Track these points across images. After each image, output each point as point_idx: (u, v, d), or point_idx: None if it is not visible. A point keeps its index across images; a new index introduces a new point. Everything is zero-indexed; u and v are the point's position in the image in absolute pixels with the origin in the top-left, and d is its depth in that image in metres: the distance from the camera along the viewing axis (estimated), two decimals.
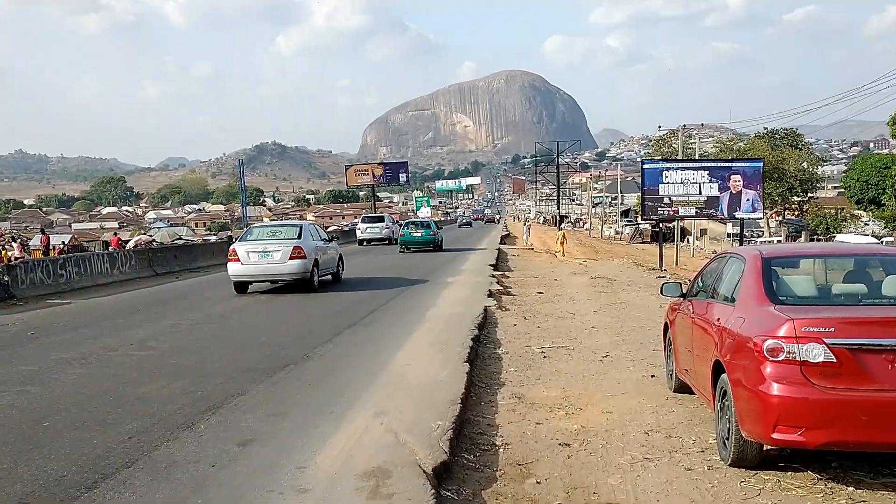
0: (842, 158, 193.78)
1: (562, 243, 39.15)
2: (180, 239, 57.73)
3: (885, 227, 35.93)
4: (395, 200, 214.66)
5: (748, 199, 30.44)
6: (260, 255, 14.64)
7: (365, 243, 37.33)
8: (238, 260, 14.64)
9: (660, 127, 50.95)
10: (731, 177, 30.38)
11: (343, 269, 17.46)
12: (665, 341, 7.25)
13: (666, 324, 7.20)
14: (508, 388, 7.12)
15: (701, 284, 6.41)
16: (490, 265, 21.72)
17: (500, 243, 37.77)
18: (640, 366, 8.18)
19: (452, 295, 14.20)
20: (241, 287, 14.92)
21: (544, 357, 8.66)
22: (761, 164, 32.17)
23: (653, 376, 7.57)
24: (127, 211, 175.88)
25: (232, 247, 15.32)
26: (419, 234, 30.97)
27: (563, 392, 6.91)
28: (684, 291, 6.63)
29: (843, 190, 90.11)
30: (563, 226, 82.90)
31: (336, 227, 74.08)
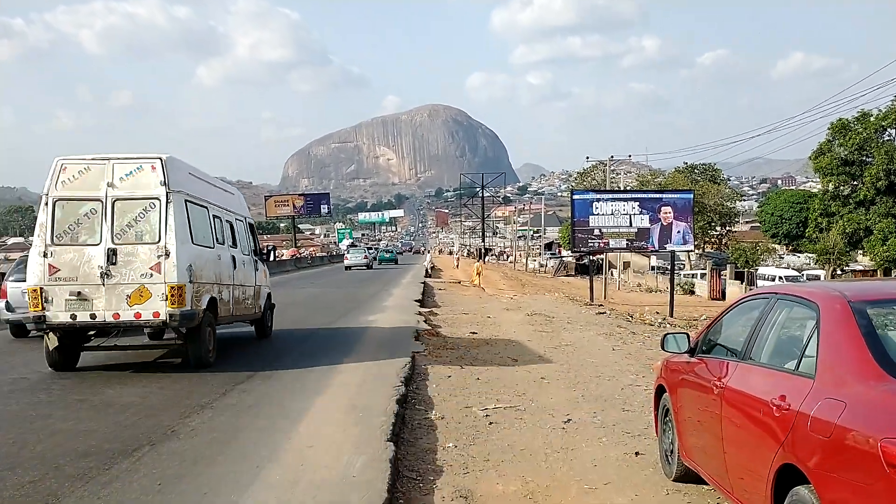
0: (752, 195, 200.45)
1: (478, 274, 37.79)
2: None
3: (817, 261, 35.82)
4: (318, 232, 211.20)
5: (679, 231, 29.51)
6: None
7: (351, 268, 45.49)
8: None
9: (587, 158, 50.28)
10: (662, 208, 29.42)
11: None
12: (658, 410, 5.40)
13: (660, 387, 5.37)
14: (448, 477, 5.13)
15: (719, 338, 4.62)
16: (416, 300, 19.77)
17: (426, 276, 35.89)
18: (615, 435, 6.34)
19: (374, 337, 12.13)
20: None
21: (490, 423, 6.73)
22: (691, 196, 31.39)
23: (638, 454, 5.72)
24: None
25: None
26: (388, 255, 61.22)
27: (524, 484, 4.97)
28: (692, 346, 4.81)
29: (756, 224, 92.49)
30: (483, 258, 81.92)
31: None
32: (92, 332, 9.02)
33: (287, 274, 42.19)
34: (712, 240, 70.56)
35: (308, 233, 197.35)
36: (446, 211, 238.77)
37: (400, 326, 13.56)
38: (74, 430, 6.04)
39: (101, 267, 8.37)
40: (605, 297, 37.26)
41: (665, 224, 29.25)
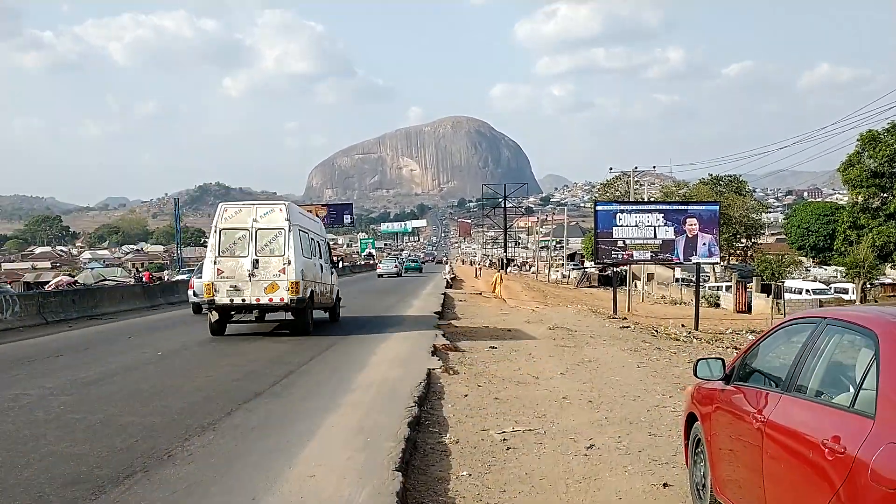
0: (777, 207, 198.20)
1: (498, 284, 37.36)
2: (105, 280, 53.99)
3: (846, 274, 35.06)
4: (340, 242, 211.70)
5: (704, 244, 28.92)
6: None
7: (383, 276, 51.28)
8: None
9: (611, 169, 49.88)
10: (687, 220, 28.86)
11: None
12: (688, 439, 4.97)
13: (691, 415, 4.94)
14: None
15: (758, 365, 4.20)
16: (435, 313, 19.39)
17: (447, 287, 35.52)
18: (641, 463, 5.92)
19: (390, 352, 11.76)
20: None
21: (508, 449, 6.33)
22: (717, 208, 30.86)
23: (666, 485, 5.30)
24: (61, 251, 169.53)
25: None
26: (414, 265, 68.22)
27: None
28: (728, 372, 4.38)
29: (782, 236, 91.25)
30: (505, 269, 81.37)
31: None
32: (234, 312, 13.90)
33: None
34: (737, 252, 69.58)
35: (332, 243, 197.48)
36: (469, 221, 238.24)
37: (417, 340, 13.18)
38: (61, 456, 5.73)
39: (249, 270, 13.38)
40: (628, 309, 36.67)
41: (690, 236, 28.71)
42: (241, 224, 13.63)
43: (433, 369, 9.89)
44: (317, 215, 79.69)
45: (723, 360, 4.50)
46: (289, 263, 13.40)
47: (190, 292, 18.16)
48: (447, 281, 40.62)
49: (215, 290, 13.26)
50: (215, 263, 13.39)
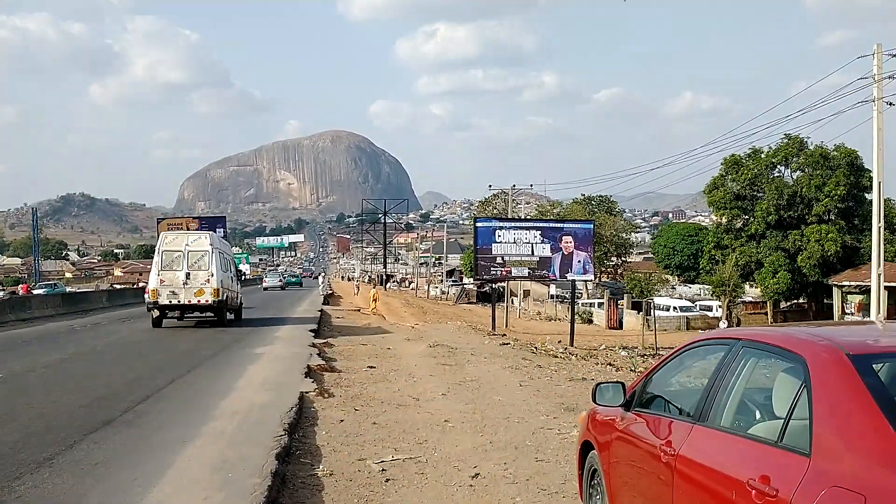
0: (644, 227, 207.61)
1: (374, 300, 36.81)
2: None
3: (712, 292, 36.70)
4: None
5: (579, 261, 29.46)
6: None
7: (267, 289, 54.40)
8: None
9: (490, 186, 50.36)
10: (563, 238, 29.32)
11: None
12: (583, 470, 4.60)
13: (587, 443, 4.58)
14: None
15: (663, 390, 3.87)
16: (310, 331, 18.55)
17: (324, 303, 34.53)
18: (530, 492, 5.52)
19: (260, 373, 10.93)
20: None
21: (387, 480, 5.78)
22: (592, 227, 31.59)
23: None
24: None
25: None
26: (294, 279, 71.45)
27: None
28: (628, 397, 4.03)
29: (650, 255, 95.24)
30: (385, 285, 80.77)
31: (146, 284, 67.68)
32: (170, 311, 18.61)
33: None
34: (608, 270, 71.94)
35: None
36: (348, 237, 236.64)
37: (290, 360, 12.39)
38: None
39: (183, 280, 18.20)
40: (506, 325, 36.90)
41: (566, 253, 29.18)
42: (177, 247, 18.82)
43: (306, 392, 9.19)
44: (187, 228, 77.11)
45: (623, 385, 4.15)
46: (212, 276, 18.54)
47: (146, 296, 19.53)
48: (324, 297, 39.58)
49: (158, 295, 18.28)
50: (158, 275, 18.45)
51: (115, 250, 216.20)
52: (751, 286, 43.81)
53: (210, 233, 20.66)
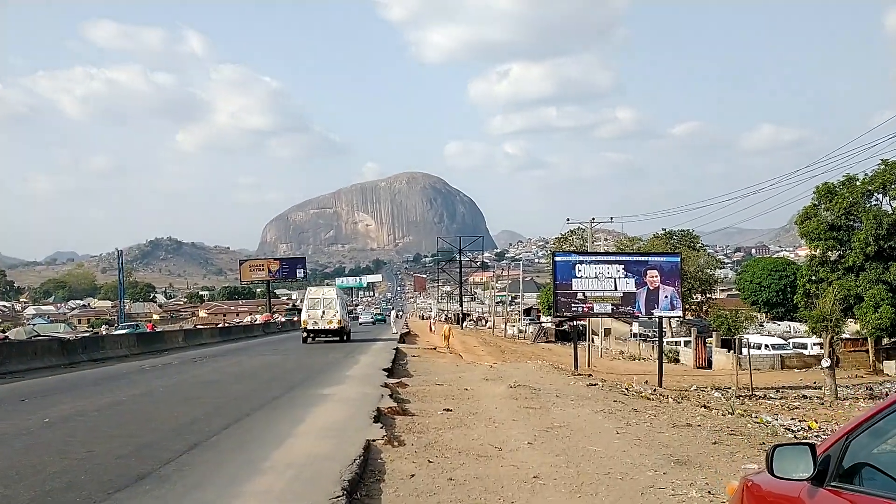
0: (727, 263, 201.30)
1: (446, 337, 35.66)
2: (38, 336, 50.75)
3: (812, 329, 34.25)
4: (294, 297, 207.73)
5: (666, 296, 27.72)
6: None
7: (362, 323, 67.08)
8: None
9: (568, 220, 48.69)
10: (648, 272, 27.66)
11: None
12: None
13: None
14: None
15: (875, 457, 2.59)
16: (384, 370, 17.48)
17: (399, 341, 33.51)
18: None
19: (323, 418, 9.83)
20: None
21: None
22: (678, 260, 29.77)
23: None
24: (4, 306, 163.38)
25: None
26: (380, 316, 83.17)
27: None
28: (820, 464, 2.73)
29: (733, 292, 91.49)
30: (462, 324, 79.62)
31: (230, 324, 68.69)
32: (314, 334, 30.75)
33: (256, 338, 39.76)
34: (692, 307, 69.16)
35: (284, 298, 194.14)
36: (424, 276, 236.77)
37: (359, 403, 11.29)
38: None
39: (321, 314, 30.33)
40: (588, 365, 35.25)
41: (652, 288, 27.56)
42: (317, 296, 31.23)
43: (374, 440, 8.04)
44: (269, 269, 79.46)
45: (812, 446, 2.85)
46: (336, 313, 30.63)
47: (302, 326, 31.45)
48: (399, 335, 38.62)
49: (307, 324, 30.53)
50: (307, 312, 30.72)
51: (201, 292, 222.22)
52: (854, 322, 40.88)
53: (335, 287, 35.53)
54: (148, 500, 5.51)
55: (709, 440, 9.49)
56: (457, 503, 5.93)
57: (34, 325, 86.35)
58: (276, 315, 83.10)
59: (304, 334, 30.62)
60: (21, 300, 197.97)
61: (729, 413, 16.19)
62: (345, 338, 31.57)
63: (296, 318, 60.84)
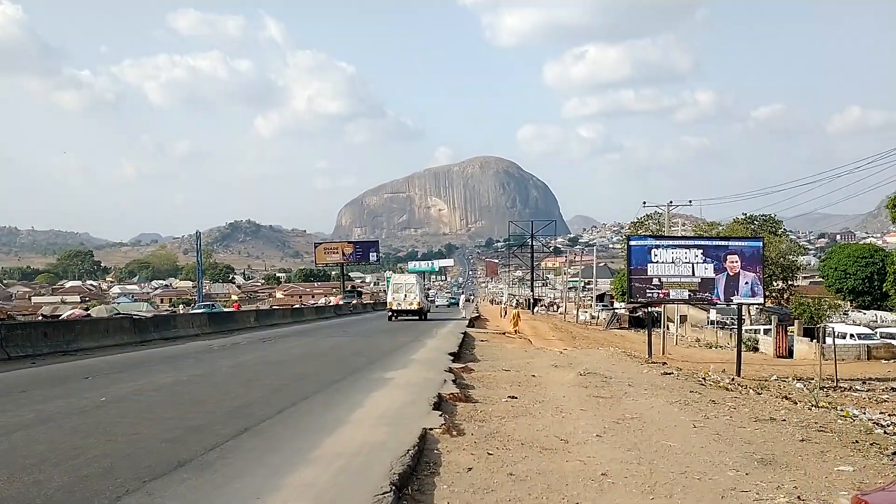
0: (810, 249, 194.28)
1: (515, 322, 35.03)
2: (117, 314, 52.43)
3: None
4: (368, 280, 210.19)
5: (747, 283, 26.43)
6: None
7: (438, 306, 69.11)
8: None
9: (644, 203, 47.11)
10: (728, 257, 26.41)
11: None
12: None
13: None
14: None
15: None
16: (450, 354, 17.06)
17: (468, 326, 33.12)
18: None
19: (381, 403, 9.42)
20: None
21: None
22: (761, 244, 28.33)
23: None
24: (91, 285, 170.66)
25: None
26: (454, 300, 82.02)
27: None
28: None
29: (816, 279, 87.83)
30: (533, 309, 78.86)
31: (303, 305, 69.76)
32: (398, 314, 36.01)
33: (327, 320, 39.99)
34: (773, 294, 66.70)
35: (358, 281, 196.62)
36: (496, 261, 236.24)
37: (420, 388, 10.87)
38: None
39: (404, 297, 35.89)
40: (663, 353, 34.16)
41: (731, 274, 26.33)
42: (399, 282, 37.19)
43: (431, 429, 7.58)
44: (343, 252, 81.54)
45: None
46: (416, 296, 35.82)
47: (388, 307, 36.86)
48: (469, 320, 38.19)
49: (392, 305, 35.82)
50: (392, 296, 36.03)
51: (278, 274, 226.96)
52: None
53: (415, 274, 44.01)
54: (182, 490, 5.18)
55: (795, 437, 8.72)
56: (517, 502, 5.43)
57: (118, 303, 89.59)
58: (366, 296, 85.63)
59: (389, 313, 35.99)
60: (108, 280, 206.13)
61: (813, 405, 15.20)
62: (424, 317, 37.00)
63: (354, 301, 64.83)
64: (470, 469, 6.33)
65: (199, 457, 6.18)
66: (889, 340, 43.53)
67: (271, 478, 5.53)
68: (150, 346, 19.81)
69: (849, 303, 65.32)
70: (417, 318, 36.03)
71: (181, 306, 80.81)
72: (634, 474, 6.41)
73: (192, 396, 9.82)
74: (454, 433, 7.72)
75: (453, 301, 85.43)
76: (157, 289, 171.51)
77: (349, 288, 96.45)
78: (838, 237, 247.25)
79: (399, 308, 35.65)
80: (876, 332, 46.19)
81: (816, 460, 7.45)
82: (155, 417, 8.10)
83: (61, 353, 16.67)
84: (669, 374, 16.48)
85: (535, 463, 6.69)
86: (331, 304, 61.51)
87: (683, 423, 9.27)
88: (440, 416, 8.39)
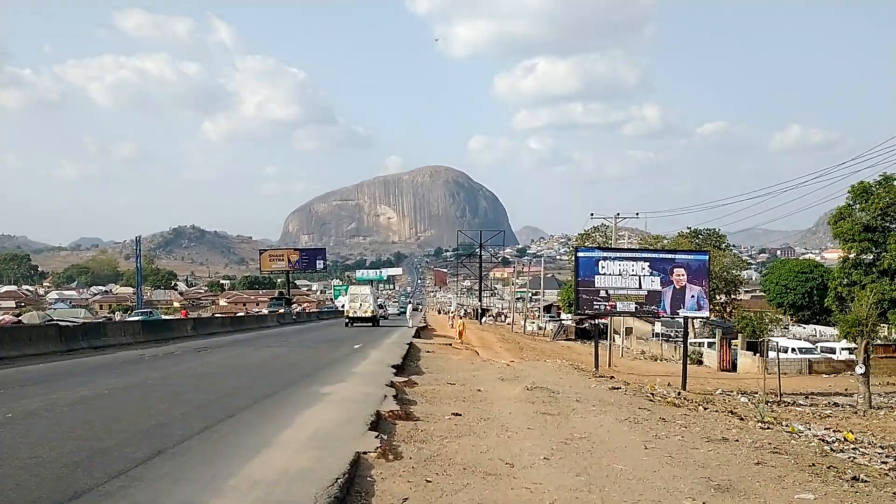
0: (752, 264, 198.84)
1: (460, 332, 34.65)
2: (50, 321, 50.34)
3: (847, 333, 32.60)
4: (315, 288, 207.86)
5: (693, 296, 26.41)
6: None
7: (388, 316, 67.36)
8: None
9: (592, 215, 47.26)
10: (675, 270, 26.36)
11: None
12: None
13: None
14: None
15: None
16: (393, 366, 16.41)
17: (415, 336, 32.46)
18: None
19: (313, 422, 8.69)
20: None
21: None
22: (707, 258, 28.39)
23: None
24: (27, 290, 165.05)
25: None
26: (403, 309, 72.91)
27: None
28: None
29: (758, 293, 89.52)
30: (480, 319, 78.50)
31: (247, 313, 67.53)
32: (354, 319, 41.09)
33: (269, 329, 38.90)
34: (716, 308, 67.72)
35: (305, 289, 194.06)
36: (445, 271, 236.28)
37: (358, 404, 10.20)
38: None
39: (359, 305, 41.44)
40: (609, 365, 34.03)
41: (678, 287, 26.31)
42: (355, 292, 43.08)
43: (365, 453, 6.96)
44: (289, 260, 79.62)
45: None
46: (370, 305, 41.15)
47: (345, 314, 42.46)
48: (416, 329, 37.54)
49: (349, 313, 41.22)
50: (349, 305, 41.91)
51: (222, 281, 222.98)
52: (888, 327, 39.27)
53: (369, 286, 47.27)
54: None
55: (750, 459, 8.32)
56: None
57: (55, 309, 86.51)
58: (295, 306, 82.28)
59: (346, 320, 41.23)
60: (45, 284, 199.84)
61: (759, 422, 15.00)
62: (377, 323, 41.83)
63: (281, 310, 62.79)
64: (405, 500, 5.72)
65: (100, 485, 5.44)
66: (829, 355, 44.23)
67: None
68: (77, 355, 18.70)
69: (789, 317, 66.61)
70: (371, 324, 40.81)
71: (118, 313, 78.37)
72: None
73: (108, 413, 8.98)
74: (390, 457, 7.09)
75: (402, 310, 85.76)
76: (96, 294, 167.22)
77: (276, 295, 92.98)
78: (779, 252, 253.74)
79: (355, 315, 40.55)
80: (817, 347, 46.96)
81: (775, 486, 7.04)
82: (62, 437, 7.28)
83: None
84: (617, 388, 16.12)
85: (477, 491, 6.11)
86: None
87: (634, 443, 8.81)
88: (376, 437, 7.74)
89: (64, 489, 5.32)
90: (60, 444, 6.89)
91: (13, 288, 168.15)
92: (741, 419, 15.03)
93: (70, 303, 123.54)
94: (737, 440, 9.89)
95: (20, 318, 50.24)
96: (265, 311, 64.25)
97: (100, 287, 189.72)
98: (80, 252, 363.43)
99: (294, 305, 78.30)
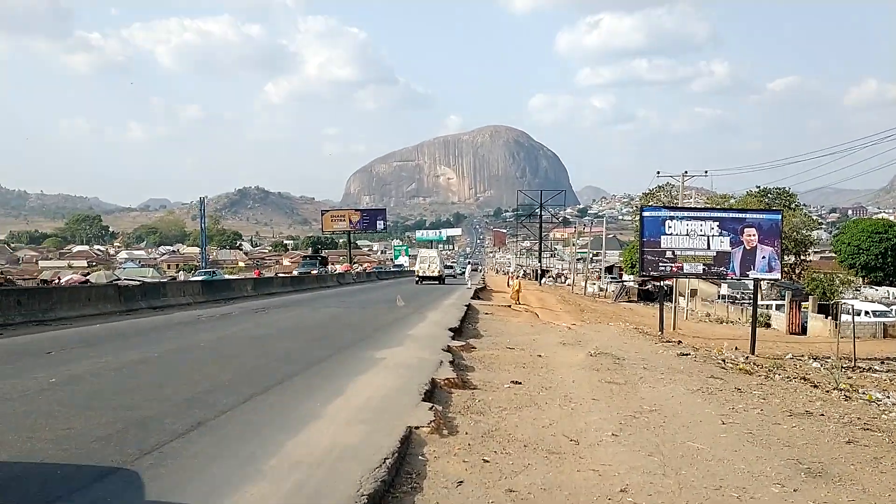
0: (821, 224, 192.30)
1: (517, 291, 33.93)
2: (117, 280, 51.51)
3: None
4: (375, 248, 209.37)
5: (764, 257, 25.18)
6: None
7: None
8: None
9: (658, 173, 45.70)
10: (745, 230, 25.13)
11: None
12: None
13: None
14: None
15: None
16: (450, 329, 15.91)
17: (473, 297, 31.93)
18: None
19: (366, 390, 8.22)
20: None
21: None
22: (780, 217, 26.95)
23: None
24: (98, 250, 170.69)
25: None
26: (462, 271, 72.76)
27: None
28: None
29: (828, 254, 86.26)
30: (540, 280, 77.72)
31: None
32: (423, 278, 46.23)
33: (329, 289, 38.93)
34: (785, 268, 65.46)
35: (366, 249, 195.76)
36: (504, 231, 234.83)
37: (413, 371, 9.72)
38: None
39: (427, 266, 46.51)
40: (674, 328, 33.09)
41: (748, 248, 25.11)
42: (425, 255, 49.10)
43: (418, 427, 6.46)
44: (350, 220, 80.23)
45: None
46: (437, 265, 46.44)
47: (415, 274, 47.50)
48: (474, 291, 36.96)
49: (419, 272, 46.16)
50: (419, 264, 46.92)
51: (285, 241, 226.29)
52: None
53: (437, 249, 61.15)
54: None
55: (840, 437, 7.56)
56: None
57: (124, 268, 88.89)
58: (356, 265, 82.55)
59: (416, 279, 46.30)
60: (115, 245, 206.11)
61: (837, 389, 14.09)
62: (442, 281, 46.98)
63: (313, 272, 57.59)
64: (460, 483, 5.20)
65: (129, 463, 5.04)
66: None
67: (206, 498, 4.40)
68: (136, 315, 18.74)
69: (861, 279, 64.01)
70: (437, 282, 46.01)
71: (182, 273, 79.92)
72: (660, 490, 5.27)
73: (153, 379, 8.68)
74: (445, 432, 6.56)
75: (463, 271, 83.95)
76: (164, 254, 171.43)
77: (310, 253, 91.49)
78: (850, 212, 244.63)
79: (424, 275, 45.84)
80: (892, 309, 44.95)
81: (871, 470, 6.30)
82: (100, 406, 6.95)
83: (36, 322, 15.61)
84: (686, 354, 15.29)
85: (539, 474, 5.55)
86: (337, 271, 60.26)
87: (709, 417, 8.11)
88: (430, 409, 7.21)
89: (89, 469, 4.91)
90: (98, 414, 6.56)
91: (85, 248, 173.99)
92: (815, 386, 14.14)
93: (139, 262, 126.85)
94: (822, 414, 9.10)
95: (88, 277, 51.61)
96: (295, 273, 58.06)
97: (168, 247, 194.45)
98: (148, 213, 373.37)
99: (331, 266, 71.50)
